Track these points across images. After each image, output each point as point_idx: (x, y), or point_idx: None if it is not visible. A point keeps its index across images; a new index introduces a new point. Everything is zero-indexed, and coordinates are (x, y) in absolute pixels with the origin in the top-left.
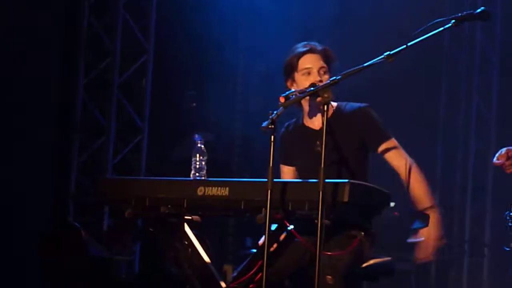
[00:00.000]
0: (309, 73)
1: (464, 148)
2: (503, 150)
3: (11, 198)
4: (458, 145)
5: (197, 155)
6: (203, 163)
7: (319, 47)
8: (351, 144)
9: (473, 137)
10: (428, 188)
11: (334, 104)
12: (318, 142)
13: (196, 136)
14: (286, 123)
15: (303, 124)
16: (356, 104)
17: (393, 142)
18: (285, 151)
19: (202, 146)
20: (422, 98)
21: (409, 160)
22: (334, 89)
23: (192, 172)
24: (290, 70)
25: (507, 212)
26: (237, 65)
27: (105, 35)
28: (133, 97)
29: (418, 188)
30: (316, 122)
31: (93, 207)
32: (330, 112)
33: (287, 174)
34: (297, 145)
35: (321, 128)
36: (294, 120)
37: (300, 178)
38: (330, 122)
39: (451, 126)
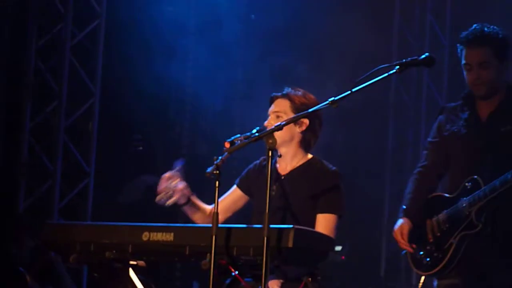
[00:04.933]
0: (270, 117)
1: None
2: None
3: None
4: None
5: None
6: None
7: (290, 92)
8: (307, 196)
9: None
10: None
11: (310, 156)
12: (276, 186)
13: (179, 161)
14: (262, 157)
15: (274, 165)
16: (329, 166)
17: (331, 218)
18: (247, 179)
19: (181, 172)
20: (370, 142)
21: None
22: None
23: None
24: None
25: None
26: (183, 109)
27: (51, 78)
28: (80, 140)
29: None
30: (282, 166)
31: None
32: (302, 161)
33: (234, 194)
34: (260, 184)
35: (286, 175)
36: (275, 159)
37: (252, 218)
38: (296, 171)
39: (399, 170)
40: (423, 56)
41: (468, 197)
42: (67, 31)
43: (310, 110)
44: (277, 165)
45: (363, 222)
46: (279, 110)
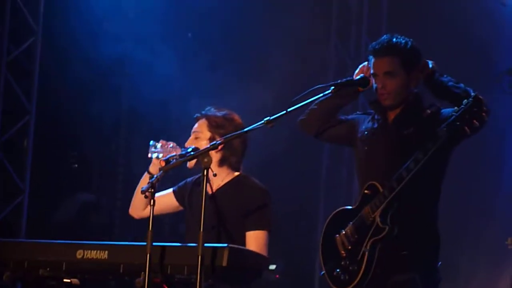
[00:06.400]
0: (190, 137)
1: None
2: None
3: None
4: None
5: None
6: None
7: (208, 112)
8: (234, 214)
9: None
10: None
11: (237, 173)
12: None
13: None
14: (199, 175)
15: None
16: (258, 184)
17: (261, 235)
18: (183, 191)
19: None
20: (306, 159)
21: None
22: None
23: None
24: None
25: None
26: (119, 126)
27: None
28: (15, 157)
29: None
30: (212, 185)
31: None
32: (229, 178)
33: (168, 198)
34: (191, 200)
35: (213, 193)
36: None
37: (186, 233)
38: (224, 188)
39: (333, 186)
40: (358, 77)
41: (369, 204)
42: (3, 47)
43: (245, 129)
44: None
45: (297, 241)
46: (197, 130)
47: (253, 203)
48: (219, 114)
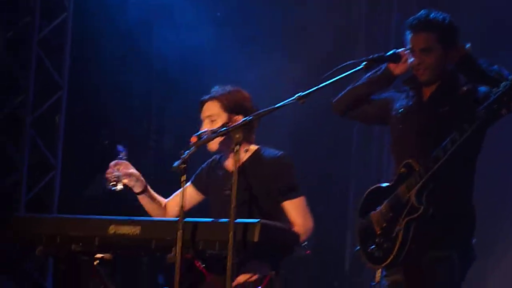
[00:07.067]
0: (204, 122)
1: None
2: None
3: None
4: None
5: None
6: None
7: (214, 93)
8: (263, 188)
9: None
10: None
11: (255, 147)
12: (227, 185)
13: (120, 147)
14: (214, 156)
15: (222, 164)
16: (275, 152)
17: (299, 201)
18: (201, 178)
19: (125, 157)
20: (335, 137)
21: (305, 224)
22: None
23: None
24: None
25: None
26: (151, 102)
27: (18, 71)
28: (46, 134)
29: None
30: (229, 164)
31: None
32: (249, 154)
33: (188, 191)
34: (212, 182)
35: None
36: (218, 156)
37: (211, 214)
38: (246, 164)
39: (364, 164)
40: (389, 53)
41: (405, 182)
42: (35, 23)
43: (276, 105)
44: (225, 163)
45: (328, 217)
46: (211, 114)
47: (279, 172)
48: (228, 92)
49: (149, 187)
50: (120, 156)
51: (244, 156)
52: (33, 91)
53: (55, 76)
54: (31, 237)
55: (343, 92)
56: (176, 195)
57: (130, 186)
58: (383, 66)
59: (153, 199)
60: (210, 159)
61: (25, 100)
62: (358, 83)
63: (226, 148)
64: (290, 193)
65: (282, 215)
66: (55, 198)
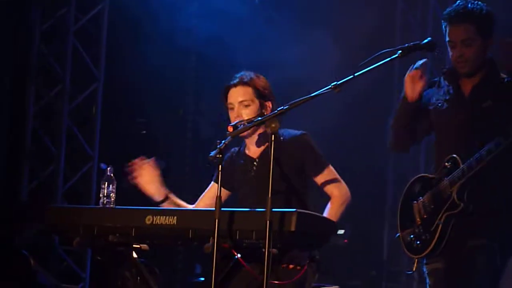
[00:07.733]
0: (232, 109)
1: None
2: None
3: None
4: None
5: (106, 183)
6: (112, 191)
7: (245, 78)
8: (289, 171)
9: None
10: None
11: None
12: (254, 168)
13: (103, 165)
14: (232, 149)
15: (244, 152)
16: (294, 132)
17: (328, 172)
18: (224, 174)
19: (111, 174)
20: (373, 127)
21: (341, 194)
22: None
23: (101, 199)
24: (224, 102)
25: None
26: (187, 92)
27: (55, 62)
28: (84, 124)
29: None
30: (253, 150)
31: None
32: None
33: (213, 190)
34: (237, 172)
35: (258, 156)
36: (237, 148)
37: (239, 205)
38: (268, 150)
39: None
40: (425, 41)
41: (448, 177)
42: (71, 15)
43: (313, 94)
44: (246, 151)
45: (365, 206)
46: (245, 99)
47: (303, 150)
48: (258, 78)
49: (171, 195)
50: (107, 174)
51: (266, 143)
52: (69, 82)
53: (91, 67)
54: (68, 228)
55: (390, 134)
56: (204, 197)
57: (150, 194)
58: (401, 96)
59: (176, 206)
60: (229, 153)
61: (62, 91)
62: (393, 121)
63: (249, 135)
64: (318, 167)
65: (310, 191)
66: (93, 189)
